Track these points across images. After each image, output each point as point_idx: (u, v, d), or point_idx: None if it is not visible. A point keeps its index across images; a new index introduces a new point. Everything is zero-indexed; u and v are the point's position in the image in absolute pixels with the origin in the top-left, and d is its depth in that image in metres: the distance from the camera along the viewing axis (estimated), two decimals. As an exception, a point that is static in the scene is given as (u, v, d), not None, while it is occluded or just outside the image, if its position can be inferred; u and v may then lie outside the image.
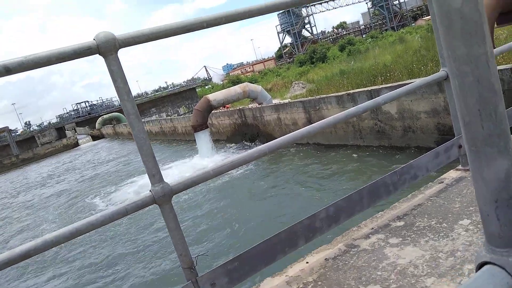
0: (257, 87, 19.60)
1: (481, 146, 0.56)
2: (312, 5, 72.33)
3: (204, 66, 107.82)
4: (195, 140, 18.30)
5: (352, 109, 2.25)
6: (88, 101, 70.75)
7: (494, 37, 17.72)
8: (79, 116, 65.72)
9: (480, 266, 0.60)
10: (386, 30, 65.72)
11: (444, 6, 0.54)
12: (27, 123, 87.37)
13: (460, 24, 0.53)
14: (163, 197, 1.67)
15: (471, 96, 0.55)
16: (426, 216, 2.27)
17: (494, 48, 6.53)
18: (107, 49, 1.61)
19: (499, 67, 7.20)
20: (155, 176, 1.69)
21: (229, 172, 11.63)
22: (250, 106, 19.44)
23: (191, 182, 1.78)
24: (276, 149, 2.03)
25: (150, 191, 1.68)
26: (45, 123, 71.65)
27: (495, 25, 7.10)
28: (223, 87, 52.30)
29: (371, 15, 78.19)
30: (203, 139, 17.44)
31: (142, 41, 1.73)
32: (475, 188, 0.60)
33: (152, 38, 1.76)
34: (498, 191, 0.57)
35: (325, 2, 73.28)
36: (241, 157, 1.93)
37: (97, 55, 1.64)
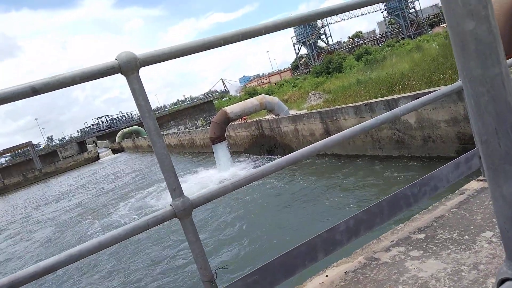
0: (273, 99, 19.67)
1: (499, 164, 0.57)
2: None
3: (221, 79, 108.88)
4: (213, 152, 18.41)
5: (370, 121, 2.25)
6: (108, 115, 72.23)
7: None
8: (100, 130, 67.02)
9: (501, 282, 0.60)
10: (402, 38, 65.29)
11: (457, 29, 0.56)
12: (50, 137, 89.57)
13: (474, 46, 0.55)
14: (183, 211, 1.70)
15: (488, 115, 0.56)
16: (447, 228, 2.24)
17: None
18: (129, 68, 1.66)
19: (520, 74, 7.05)
20: (176, 191, 1.72)
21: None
22: (267, 117, 19.50)
23: (210, 195, 1.81)
24: (294, 162, 2.05)
25: (171, 205, 1.71)
26: (66, 137, 73.32)
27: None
28: (240, 99, 52.65)
29: (387, 24, 77.85)
30: (221, 151, 17.54)
31: (163, 59, 1.78)
32: (494, 205, 0.61)
33: (172, 57, 1.82)
34: (517, 208, 0.57)
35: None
36: (259, 171, 1.95)
37: (119, 74, 1.71)
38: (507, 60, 2.96)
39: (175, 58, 1.84)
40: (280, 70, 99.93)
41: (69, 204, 23.57)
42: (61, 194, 29.89)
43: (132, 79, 1.68)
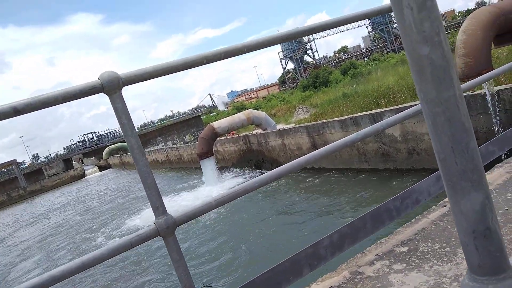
0: (260, 113, 19.78)
1: (457, 180, 0.60)
2: (313, 31, 73.36)
3: (209, 94, 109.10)
4: (201, 167, 18.34)
5: (351, 136, 2.30)
6: (95, 132, 71.61)
7: (495, 56, 17.93)
8: (86, 147, 66.31)
9: (464, 294, 0.63)
10: (387, 52, 66.55)
11: (414, 54, 0.59)
12: (35, 155, 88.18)
13: (430, 70, 0.58)
14: (166, 229, 1.70)
15: (444, 134, 0.59)
16: (429, 240, 2.27)
17: (493, 69, 6.61)
18: (111, 87, 1.68)
19: (500, 87, 7.25)
20: (159, 209, 1.72)
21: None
22: (254, 132, 19.57)
23: (193, 213, 1.81)
24: (277, 178, 2.07)
25: (154, 223, 1.71)
26: (52, 155, 72.36)
27: (493, 47, 7.24)
28: (228, 114, 52.76)
29: (372, 38, 79.34)
30: (209, 166, 17.49)
31: (145, 78, 1.80)
32: (455, 220, 0.64)
33: (154, 76, 1.84)
34: (475, 223, 0.60)
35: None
36: (242, 188, 1.96)
37: (102, 93, 1.72)
38: (486, 74, 3.05)
39: (157, 77, 1.86)
40: (268, 84, 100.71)
41: (52, 223, 23.13)
42: (45, 213, 29.32)
43: (115, 98, 1.70)
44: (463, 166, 0.60)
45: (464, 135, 0.60)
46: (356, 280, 2.09)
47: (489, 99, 6.61)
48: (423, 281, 1.89)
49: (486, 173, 3.04)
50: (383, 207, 2.38)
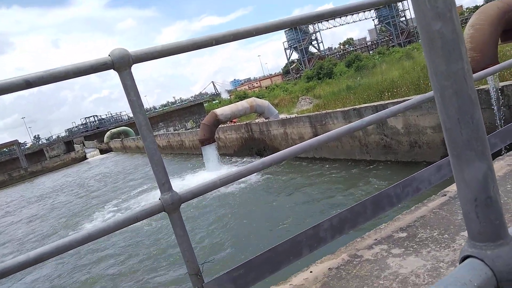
0: (264, 102, 19.76)
1: (461, 150, 0.63)
2: (319, 22, 73.25)
3: (212, 81, 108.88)
4: (202, 154, 18.40)
5: (356, 123, 2.32)
6: (96, 115, 71.64)
7: (502, 54, 17.81)
8: (88, 130, 66.40)
9: (463, 259, 0.66)
10: (393, 46, 66.10)
11: (426, 28, 0.62)
12: (36, 136, 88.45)
13: (440, 44, 0.61)
14: (171, 205, 1.74)
15: (451, 106, 0.62)
16: (428, 227, 2.31)
17: (498, 62, 6.60)
18: (122, 64, 1.70)
19: (505, 83, 7.24)
20: (165, 185, 1.76)
21: (236, 182, 11.65)
22: (257, 120, 19.58)
23: (199, 191, 1.85)
24: (280, 161, 2.10)
25: (159, 199, 1.75)
26: (54, 137, 72.47)
27: (499, 42, 7.21)
28: (230, 102, 52.68)
29: (378, 31, 78.78)
30: (210, 153, 17.55)
31: (155, 57, 1.83)
32: (458, 189, 0.67)
33: (164, 54, 1.86)
34: (477, 191, 0.63)
35: (332, 19, 74.06)
36: (247, 168, 2.00)
37: (112, 70, 1.75)
38: (491, 68, 3.06)
39: (166, 56, 1.88)
40: (271, 74, 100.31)
41: (54, 203, 23.31)
42: (49, 193, 29.53)
43: (125, 75, 1.73)
44: (468, 136, 0.63)
45: (470, 107, 0.63)
46: (354, 262, 2.14)
47: (493, 94, 6.61)
48: (421, 265, 1.94)
49: (487, 165, 3.07)
50: (384, 193, 2.41)
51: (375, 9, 75.10)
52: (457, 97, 0.62)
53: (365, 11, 75.61)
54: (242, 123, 20.47)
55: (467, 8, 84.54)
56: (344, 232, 2.25)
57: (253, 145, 18.73)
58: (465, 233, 2.14)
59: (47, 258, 1.55)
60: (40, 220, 19.06)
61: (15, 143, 56.93)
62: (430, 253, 2.03)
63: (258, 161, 2.03)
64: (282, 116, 20.42)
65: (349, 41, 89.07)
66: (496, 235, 0.63)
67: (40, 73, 1.61)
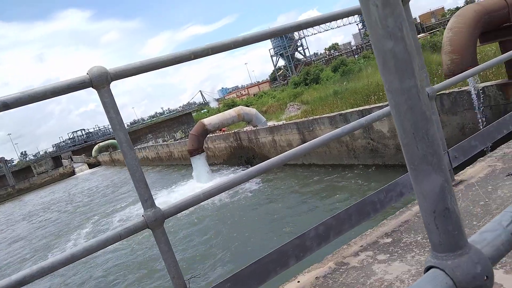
0: (251, 110, 19.82)
1: (418, 164, 0.65)
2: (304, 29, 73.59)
3: (200, 91, 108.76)
4: (191, 164, 18.34)
5: (337, 131, 2.35)
6: (84, 129, 71.06)
7: (483, 54, 18.12)
8: (75, 145, 65.78)
9: (426, 269, 0.69)
10: (377, 50, 66.82)
11: (379, 47, 0.64)
12: (23, 153, 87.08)
13: (393, 62, 0.63)
14: (155, 221, 1.74)
15: (407, 122, 0.65)
16: (412, 232, 2.34)
17: (477, 64, 6.73)
18: (100, 82, 1.71)
19: (485, 84, 7.39)
20: (147, 201, 1.76)
21: (221, 194, 11.61)
22: (245, 129, 19.60)
23: (182, 206, 1.85)
24: (264, 171, 2.12)
25: (142, 216, 1.75)
26: (41, 153, 71.57)
27: (478, 44, 7.37)
28: (218, 111, 52.66)
29: (362, 35, 79.69)
30: (199, 163, 17.50)
31: (133, 73, 1.84)
32: (418, 201, 0.69)
33: (142, 71, 1.87)
34: (435, 203, 0.65)
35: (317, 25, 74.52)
36: (230, 180, 2.01)
37: (91, 88, 1.75)
38: (469, 70, 3.13)
39: (145, 72, 1.89)
40: (259, 81, 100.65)
41: (40, 221, 22.96)
42: (32, 212, 29.07)
43: (103, 92, 1.73)
44: (423, 151, 0.65)
45: (424, 122, 0.65)
46: (341, 270, 2.15)
47: (475, 95, 6.74)
48: (405, 270, 1.96)
49: (468, 167, 3.12)
50: (368, 199, 2.44)
51: (358, 14, 75.93)
52: (412, 113, 0.65)
53: (348, 16, 76.36)
54: (230, 132, 20.48)
55: (448, 10, 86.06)
56: (330, 240, 2.27)
57: (242, 153, 18.74)
58: (448, 236, 2.17)
59: (29, 282, 1.54)
60: (25, 241, 18.75)
61: (2, 160, 56.07)
62: (414, 257, 2.05)
63: (241, 173, 2.04)
64: (271, 123, 20.48)
65: (334, 46, 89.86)
66: (455, 245, 0.65)
67: (17, 95, 1.61)
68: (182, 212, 1.97)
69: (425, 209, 0.67)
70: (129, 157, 1.77)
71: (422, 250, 2.10)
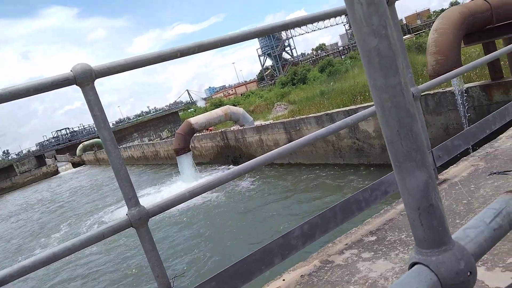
0: (238, 110, 19.80)
1: (403, 161, 0.65)
2: (291, 28, 74.00)
3: (187, 90, 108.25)
4: (177, 164, 18.23)
5: (321, 131, 2.36)
6: (68, 128, 70.04)
7: (467, 55, 18.41)
8: (59, 144, 64.76)
9: (411, 266, 0.69)
10: (363, 51, 67.38)
11: (364, 45, 0.64)
12: (6, 152, 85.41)
13: (378, 60, 0.63)
14: (139, 220, 1.72)
15: (391, 119, 0.65)
16: (397, 230, 2.37)
17: (461, 65, 6.84)
18: (84, 79, 1.68)
19: (469, 85, 7.52)
20: (132, 200, 1.74)
21: (206, 193, 11.56)
22: (232, 128, 19.57)
23: (167, 205, 1.84)
24: (250, 170, 2.11)
25: (126, 214, 1.73)
26: (24, 152, 70.32)
27: (462, 45, 7.49)
28: (205, 110, 52.45)
29: (349, 36, 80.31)
30: (186, 162, 17.41)
31: (118, 71, 1.81)
32: (402, 198, 0.69)
33: (127, 68, 1.85)
34: (420, 200, 0.66)
35: (304, 25, 74.89)
36: (216, 179, 2.00)
37: (74, 85, 1.72)
38: (453, 71, 3.17)
39: (130, 69, 1.87)
40: (246, 81, 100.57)
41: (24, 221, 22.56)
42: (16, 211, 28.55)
43: (87, 90, 1.70)
44: (408, 148, 0.65)
45: (409, 120, 0.65)
46: (326, 268, 2.16)
47: (459, 96, 6.85)
48: (389, 268, 1.98)
49: (452, 166, 3.17)
50: (353, 198, 2.45)
51: (345, 14, 76.46)
52: (396, 110, 0.65)
53: (335, 17, 76.99)
54: (217, 131, 20.43)
55: (434, 12, 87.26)
56: (315, 238, 2.28)
57: (229, 153, 18.71)
58: (431, 234, 2.20)
59: (9, 281, 1.51)
60: (4, 241, 18.40)
61: (-17, 159, 54.91)
62: (398, 255, 2.07)
63: (227, 172, 2.03)
64: (258, 122, 20.49)
65: (321, 47, 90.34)
66: (440, 241, 0.66)
67: (-2, 91, 1.57)
68: (167, 211, 1.96)
69: (409, 206, 0.67)
70: (113, 155, 1.74)
71: (406, 248, 2.12)
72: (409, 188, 0.66)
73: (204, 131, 21.39)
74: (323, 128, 2.32)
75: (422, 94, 2.82)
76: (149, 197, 16.53)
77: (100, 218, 15.88)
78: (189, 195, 1.91)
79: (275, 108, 33.63)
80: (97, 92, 1.74)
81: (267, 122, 17.40)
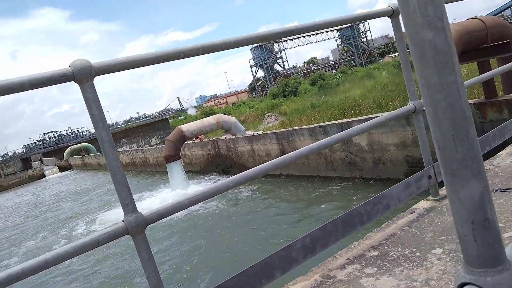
0: (230, 118, 19.73)
1: (456, 169, 0.58)
2: (283, 41, 74.76)
3: (177, 97, 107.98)
4: (167, 171, 18.02)
5: (325, 140, 2.30)
6: (56, 131, 69.12)
7: (471, 69, 18.61)
8: (46, 147, 63.79)
9: (460, 286, 0.61)
10: (355, 66, 68.20)
11: (416, 38, 0.58)
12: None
13: (432, 54, 0.57)
14: (136, 227, 1.63)
15: (445, 122, 0.58)
16: (399, 245, 2.30)
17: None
18: (83, 76, 1.60)
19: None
20: (129, 206, 1.65)
21: (203, 203, 11.38)
22: (224, 137, 19.47)
23: (165, 212, 1.75)
24: (251, 179, 2.04)
25: (123, 221, 1.63)
26: (9, 153, 69.11)
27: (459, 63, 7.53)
28: (196, 118, 52.29)
29: (341, 51, 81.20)
30: (176, 170, 17.20)
31: (119, 69, 1.73)
32: (452, 210, 0.62)
33: (129, 66, 1.77)
34: (474, 213, 0.59)
35: (296, 38, 75.80)
36: (216, 187, 1.91)
37: (72, 82, 1.64)
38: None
39: (132, 68, 1.79)
40: (238, 91, 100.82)
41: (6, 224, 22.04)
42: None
43: (86, 87, 1.62)
44: (463, 155, 0.59)
45: (465, 123, 0.59)
46: (328, 283, 2.08)
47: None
48: (395, 285, 1.90)
49: (451, 181, 3.13)
50: (355, 211, 2.39)
51: (337, 30, 77.56)
52: (451, 111, 0.58)
53: (328, 31, 77.92)
54: (208, 139, 20.31)
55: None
56: (316, 252, 2.20)
57: (219, 161, 18.57)
58: (436, 251, 2.13)
59: (-5, 289, 1.40)
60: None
61: (-33, 160, 53.80)
62: (403, 272, 2.00)
63: (227, 180, 1.96)
64: (249, 133, 20.44)
65: (313, 60, 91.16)
66: (496, 260, 0.59)
67: (-10, 85, 1.47)
68: (164, 219, 1.86)
69: (461, 219, 0.60)
70: (111, 157, 1.65)
71: (411, 265, 2.05)
72: (463, 199, 0.59)
73: (194, 139, 21.25)
74: (329, 137, 2.25)
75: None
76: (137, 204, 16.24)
77: (84, 226, 15.55)
78: (188, 202, 1.82)
79: (266, 119, 33.68)
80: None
81: (259, 132, 17.36)
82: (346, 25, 74.86)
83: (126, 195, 1.65)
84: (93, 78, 1.64)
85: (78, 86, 1.62)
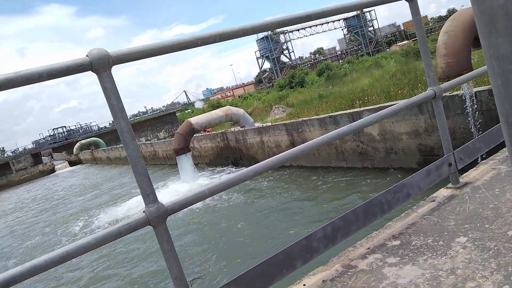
0: (239, 110, 19.66)
1: (527, 148, 0.54)
2: (289, 32, 74.28)
3: (184, 91, 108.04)
4: (176, 164, 18.06)
5: (345, 127, 2.25)
6: (65, 126, 69.63)
7: (481, 56, 18.38)
8: (56, 142, 64.32)
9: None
10: (362, 55, 67.54)
11: (485, 4, 0.53)
12: (1, 149, 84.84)
13: (504, 22, 0.52)
14: (157, 218, 1.61)
15: (516, 95, 0.53)
16: (422, 234, 2.25)
17: (472, 68, 6.75)
18: (101, 65, 1.56)
19: (478, 89, 7.43)
20: (150, 196, 1.63)
21: (222, 193, 11.35)
22: (232, 129, 19.44)
23: (186, 202, 1.72)
24: (272, 167, 2.01)
25: (144, 211, 1.61)
26: (20, 149, 69.81)
27: (472, 49, 7.41)
28: (203, 111, 52.30)
29: (347, 41, 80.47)
30: (185, 162, 17.24)
31: (136, 57, 1.70)
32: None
33: (146, 55, 1.73)
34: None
35: (302, 29, 75.26)
36: (236, 176, 1.88)
37: (90, 71, 1.60)
38: (465, 75, 3.07)
39: (149, 56, 1.76)
40: (244, 83, 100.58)
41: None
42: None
43: (104, 77, 1.59)
44: (536, 131, 0.53)
45: (539, 96, 0.54)
46: (349, 273, 2.04)
47: (468, 100, 6.75)
48: (419, 274, 1.86)
49: (471, 169, 3.06)
50: (375, 200, 2.34)
51: (344, 19, 76.81)
52: (524, 84, 0.53)
53: (334, 21, 77.20)
54: (217, 131, 20.29)
55: (431, 18, 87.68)
56: (337, 242, 2.16)
57: (229, 154, 18.56)
58: (460, 239, 2.08)
59: (20, 280, 1.38)
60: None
61: (-22, 156, 54.48)
62: (427, 261, 1.96)
63: (248, 169, 1.93)
64: (257, 124, 20.37)
65: (319, 51, 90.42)
66: None
67: (9, 75, 1.45)
68: (184, 209, 1.84)
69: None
70: (131, 148, 1.63)
71: (435, 254, 2.01)
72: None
73: (202, 132, 21.24)
74: (347, 125, 2.21)
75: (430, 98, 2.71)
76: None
77: (95, 221, 15.67)
78: (209, 192, 1.79)
79: (273, 111, 33.54)
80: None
81: (268, 124, 17.29)
82: (352, 15, 74.11)
83: (146, 185, 1.63)
84: (111, 67, 1.61)
85: (96, 76, 1.59)
